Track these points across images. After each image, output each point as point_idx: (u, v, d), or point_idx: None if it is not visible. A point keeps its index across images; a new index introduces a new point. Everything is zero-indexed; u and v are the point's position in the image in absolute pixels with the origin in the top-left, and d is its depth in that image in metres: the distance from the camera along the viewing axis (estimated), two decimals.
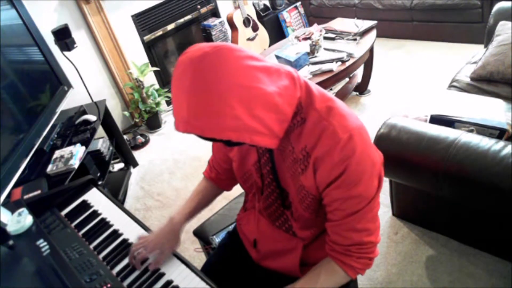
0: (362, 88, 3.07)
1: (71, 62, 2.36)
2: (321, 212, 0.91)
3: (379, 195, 0.83)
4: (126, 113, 3.26)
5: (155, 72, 3.45)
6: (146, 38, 3.39)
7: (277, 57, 2.66)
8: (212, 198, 1.19)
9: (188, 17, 3.67)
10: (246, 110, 0.67)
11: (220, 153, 1.12)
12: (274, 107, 0.71)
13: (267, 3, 4.20)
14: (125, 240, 1.10)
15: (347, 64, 2.45)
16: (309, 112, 0.79)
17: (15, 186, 1.66)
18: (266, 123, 0.70)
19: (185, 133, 0.70)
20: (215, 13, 3.87)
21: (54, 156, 2.02)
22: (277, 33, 4.16)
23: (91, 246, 1.10)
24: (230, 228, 1.45)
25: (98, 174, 2.26)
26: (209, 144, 1.16)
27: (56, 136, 2.28)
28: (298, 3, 4.28)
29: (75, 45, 2.33)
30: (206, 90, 0.66)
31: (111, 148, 2.56)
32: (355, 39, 2.72)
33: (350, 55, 2.51)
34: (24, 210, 1.15)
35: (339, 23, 3.03)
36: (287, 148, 0.85)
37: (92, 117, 2.38)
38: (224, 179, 1.17)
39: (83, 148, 2.09)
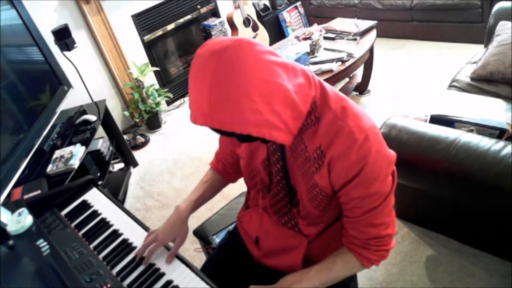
0: (362, 88, 3.07)
1: (71, 62, 2.36)
2: (330, 208, 0.92)
3: (394, 189, 0.85)
4: (126, 113, 3.26)
5: (155, 72, 3.45)
6: (146, 38, 3.38)
7: None
8: (218, 188, 1.20)
9: (188, 17, 3.67)
10: (266, 105, 0.67)
11: (228, 148, 1.13)
12: (292, 103, 0.71)
13: (267, 3, 4.20)
14: (125, 240, 1.10)
15: (347, 64, 2.45)
16: (323, 111, 0.80)
17: (15, 186, 1.66)
18: (284, 119, 0.70)
19: (203, 126, 0.70)
20: (215, 13, 3.87)
21: (54, 156, 2.02)
22: (277, 33, 4.16)
23: (91, 246, 1.09)
24: (230, 228, 1.45)
25: (98, 174, 2.26)
26: (209, 144, 1.16)
27: (56, 136, 2.28)
28: (298, 3, 4.28)
29: (75, 45, 2.33)
30: (228, 83, 0.65)
31: (111, 148, 2.56)
32: (355, 39, 2.72)
33: (350, 55, 2.51)
34: (24, 210, 1.15)
35: (339, 23, 3.03)
36: (299, 146, 0.85)
37: (92, 117, 2.38)
38: (231, 172, 1.17)
39: (83, 148, 2.09)
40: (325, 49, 2.66)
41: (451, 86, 2.06)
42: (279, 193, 0.97)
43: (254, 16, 3.89)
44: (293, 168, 0.90)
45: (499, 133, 1.45)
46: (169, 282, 0.94)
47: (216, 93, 0.66)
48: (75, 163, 1.95)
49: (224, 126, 0.68)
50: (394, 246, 0.91)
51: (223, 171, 1.18)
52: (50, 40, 2.30)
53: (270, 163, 0.94)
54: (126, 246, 1.07)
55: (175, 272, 0.97)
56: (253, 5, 3.97)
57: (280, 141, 0.72)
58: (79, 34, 2.88)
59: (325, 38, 2.82)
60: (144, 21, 3.33)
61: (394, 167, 0.84)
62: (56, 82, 2.29)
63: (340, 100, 0.81)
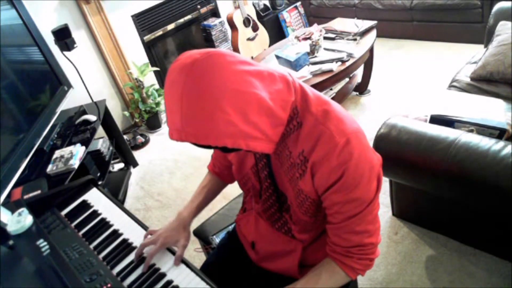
0: (362, 88, 3.07)
1: (71, 62, 2.36)
2: (319, 215, 0.91)
3: (378, 196, 0.83)
4: (126, 113, 3.26)
5: (155, 72, 3.45)
6: (146, 38, 3.38)
7: (277, 57, 2.66)
8: (218, 191, 1.20)
9: (188, 17, 3.67)
10: (240, 115, 0.66)
11: (221, 153, 1.14)
12: (268, 111, 0.70)
13: (267, 3, 4.20)
14: (125, 240, 1.10)
15: (347, 64, 2.45)
16: (305, 116, 0.79)
17: (15, 186, 1.65)
18: (261, 128, 0.70)
19: (179, 141, 0.69)
20: (215, 13, 3.87)
21: (54, 156, 2.02)
22: (277, 33, 4.16)
23: (91, 246, 1.09)
24: (230, 228, 1.45)
25: (98, 174, 2.26)
26: None
27: (56, 136, 2.28)
28: (298, 3, 4.28)
29: (75, 45, 2.33)
30: (198, 96, 0.65)
31: (111, 148, 2.56)
32: (355, 39, 2.72)
33: (350, 55, 2.51)
34: (24, 210, 1.15)
35: (339, 23, 3.03)
36: (284, 152, 0.84)
37: (92, 117, 2.38)
38: (227, 174, 1.18)
39: (83, 148, 2.09)
40: (325, 49, 2.66)
41: (451, 86, 2.06)
42: (269, 198, 0.97)
43: (254, 16, 3.89)
44: (280, 174, 0.89)
45: (499, 133, 1.45)
46: (169, 282, 0.94)
47: (187, 107, 0.65)
48: (75, 163, 1.95)
49: (199, 140, 0.67)
50: (379, 255, 0.88)
51: (220, 174, 1.18)
52: (50, 40, 2.30)
53: (258, 169, 0.94)
54: (126, 246, 1.07)
55: (175, 272, 0.97)
56: (253, 5, 3.97)
57: (259, 150, 0.71)
58: (79, 34, 2.88)
59: (325, 38, 2.82)
60: (144, 21, 3.33)
61: (380, 171, 0.82)
62: (56, 82, 2.29)
63: (322, 103, 0.80)
